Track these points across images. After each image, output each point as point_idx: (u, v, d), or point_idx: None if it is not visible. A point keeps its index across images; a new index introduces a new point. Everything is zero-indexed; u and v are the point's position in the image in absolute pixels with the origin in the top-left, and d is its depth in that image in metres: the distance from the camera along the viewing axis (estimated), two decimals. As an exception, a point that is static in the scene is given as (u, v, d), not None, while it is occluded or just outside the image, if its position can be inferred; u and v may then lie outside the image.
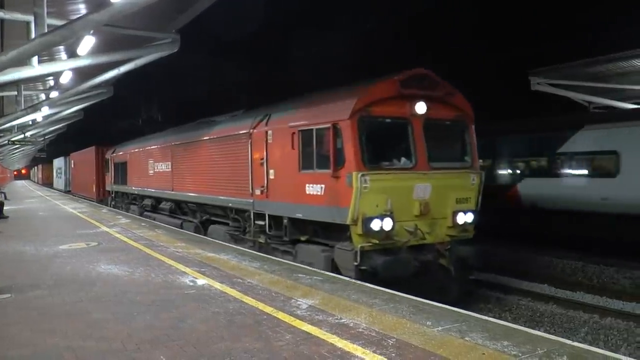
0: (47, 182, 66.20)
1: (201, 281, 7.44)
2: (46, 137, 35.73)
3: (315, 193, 8.49)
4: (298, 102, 9.85)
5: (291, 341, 4.80)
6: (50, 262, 9.15)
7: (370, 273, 7.70)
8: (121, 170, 22.69)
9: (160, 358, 4.45)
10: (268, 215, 10.01)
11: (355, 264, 7.76)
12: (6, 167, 69.77)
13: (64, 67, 11.27)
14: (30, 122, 23.89)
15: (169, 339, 4.93)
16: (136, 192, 20.62)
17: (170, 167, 16.00)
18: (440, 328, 5.12)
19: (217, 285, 7.17)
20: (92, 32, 9.65)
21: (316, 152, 8.54)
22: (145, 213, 19.24)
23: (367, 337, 4.89)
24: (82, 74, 14.25)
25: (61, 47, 12.10)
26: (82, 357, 4.51)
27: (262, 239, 10.53)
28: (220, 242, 11.76)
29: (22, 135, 26.33)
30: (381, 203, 7.80)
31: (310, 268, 8.35)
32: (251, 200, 10.60)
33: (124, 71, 12.84)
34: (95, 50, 11.30)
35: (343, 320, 5.41)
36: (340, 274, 8.00)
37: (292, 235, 9.41)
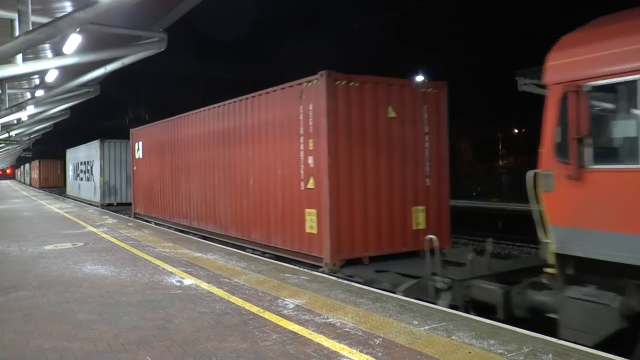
0: (48, 185, 51.53)
1: (188, 281, 7.40)
2: (32, 136, 35.37)
3: None
4: None
5: (278, 341, 4.80)
6: (35, 263, 9.04)
7: None
8: None
9: (147, 358, 4.42)
10: None
11: None
12: None
13: (50, 65, 11.15)
14: (15, 121, 23.62)
15: (155, 339, 4.90)
16: None
17: None
18: (426, 327, 5.15)
19: (204, 285, 7.14)
20: (78, 30, 9.56)
21: None
22: None
23: (354, 336, 4.90)
24: (69, 72, 14.12)
25: (46, 45, 11.97)
26: (67, 359, 4.46)
27: None
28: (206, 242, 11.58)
29: (6, 135, 26.03)
30: None
31: (297, 267, 8.33)
32: None
33: (110, 70, 12.77)
34: (82, 49, 11.19)
35: (330, 320, 5.42)
36: None
37: None
